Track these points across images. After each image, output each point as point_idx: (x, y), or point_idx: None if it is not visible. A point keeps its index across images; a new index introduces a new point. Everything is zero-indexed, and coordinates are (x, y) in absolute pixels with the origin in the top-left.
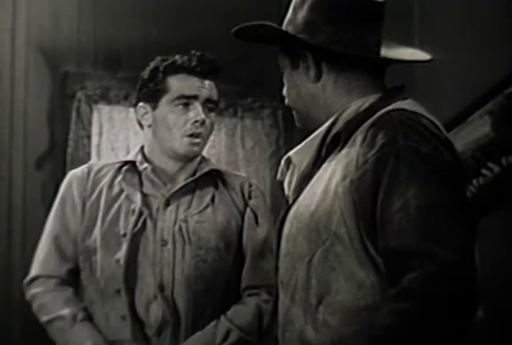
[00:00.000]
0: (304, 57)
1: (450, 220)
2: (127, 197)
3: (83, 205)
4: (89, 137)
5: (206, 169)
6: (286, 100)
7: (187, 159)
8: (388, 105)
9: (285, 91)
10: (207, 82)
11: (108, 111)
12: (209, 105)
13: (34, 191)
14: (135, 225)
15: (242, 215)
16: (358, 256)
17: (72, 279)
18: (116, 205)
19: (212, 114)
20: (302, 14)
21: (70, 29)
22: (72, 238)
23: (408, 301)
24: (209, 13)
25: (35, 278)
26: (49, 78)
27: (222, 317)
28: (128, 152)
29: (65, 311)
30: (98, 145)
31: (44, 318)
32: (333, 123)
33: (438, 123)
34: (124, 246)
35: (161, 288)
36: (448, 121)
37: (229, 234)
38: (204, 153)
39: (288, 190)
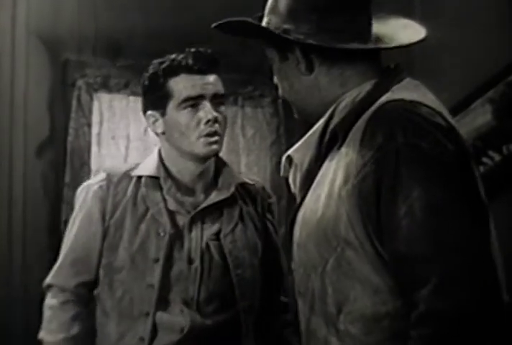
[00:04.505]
0: (292, 50)
1: (458, 219)
2: (153, 217)
3: (103, 220)
4: (89, 125)
5: (232, 188)
6: (280, 92)
7: (207, 159)
8: (386, 91)
9: (276, 82)
10: (210, 77)
11: (109, 100)
12: (217, 100)
13: (35, 179)
14: (167, 249)
15: (264, 227)
16: (371, 260)
17: (83, 293)
18: (143, 227)
19: (222, 108)
20: (284, 2)
21: (71, 17)
22: (87, 252)
23: (432, 324)
24: (210, 1)
25: (50, 286)
26: (49, 66)
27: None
28: (128, 141)
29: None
30: (99, 134)
31: (41, 335)
32: (330, 118)
33: (439, 109)
34: (158, 272)
35: (186, 304)
36: (448, 110)
37: (258, 249)
38: None
39: (294, 187)
